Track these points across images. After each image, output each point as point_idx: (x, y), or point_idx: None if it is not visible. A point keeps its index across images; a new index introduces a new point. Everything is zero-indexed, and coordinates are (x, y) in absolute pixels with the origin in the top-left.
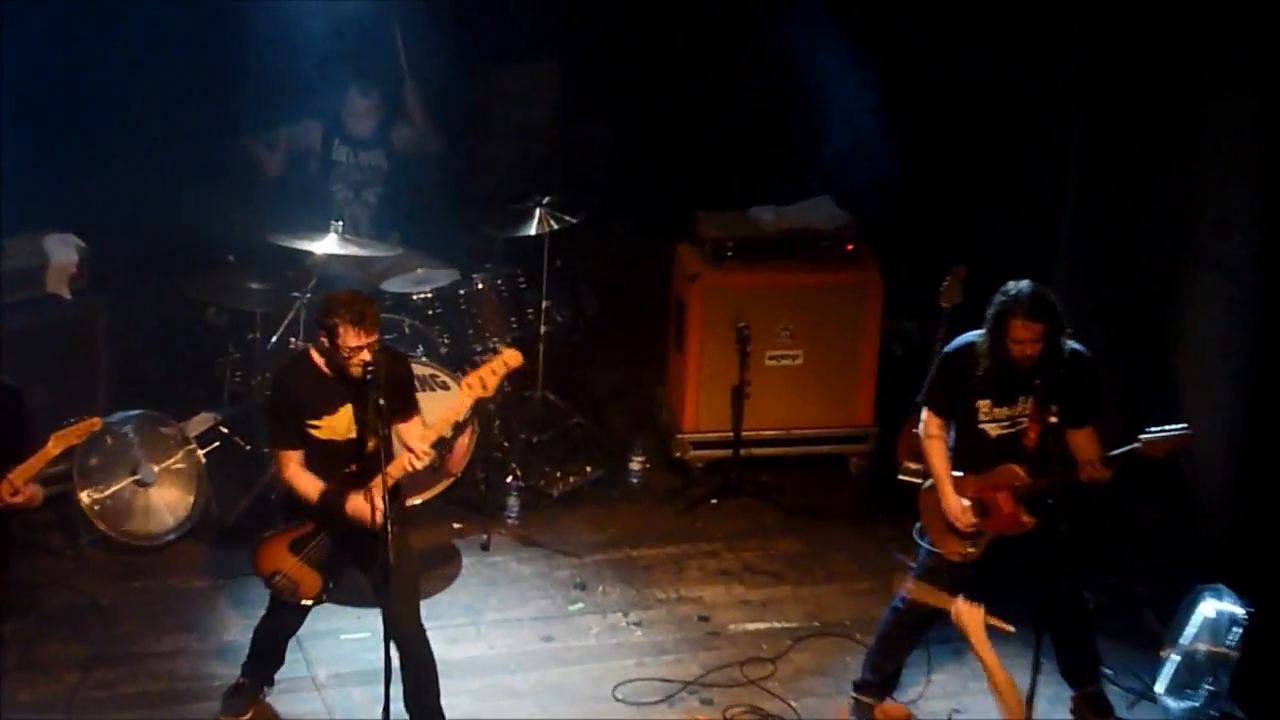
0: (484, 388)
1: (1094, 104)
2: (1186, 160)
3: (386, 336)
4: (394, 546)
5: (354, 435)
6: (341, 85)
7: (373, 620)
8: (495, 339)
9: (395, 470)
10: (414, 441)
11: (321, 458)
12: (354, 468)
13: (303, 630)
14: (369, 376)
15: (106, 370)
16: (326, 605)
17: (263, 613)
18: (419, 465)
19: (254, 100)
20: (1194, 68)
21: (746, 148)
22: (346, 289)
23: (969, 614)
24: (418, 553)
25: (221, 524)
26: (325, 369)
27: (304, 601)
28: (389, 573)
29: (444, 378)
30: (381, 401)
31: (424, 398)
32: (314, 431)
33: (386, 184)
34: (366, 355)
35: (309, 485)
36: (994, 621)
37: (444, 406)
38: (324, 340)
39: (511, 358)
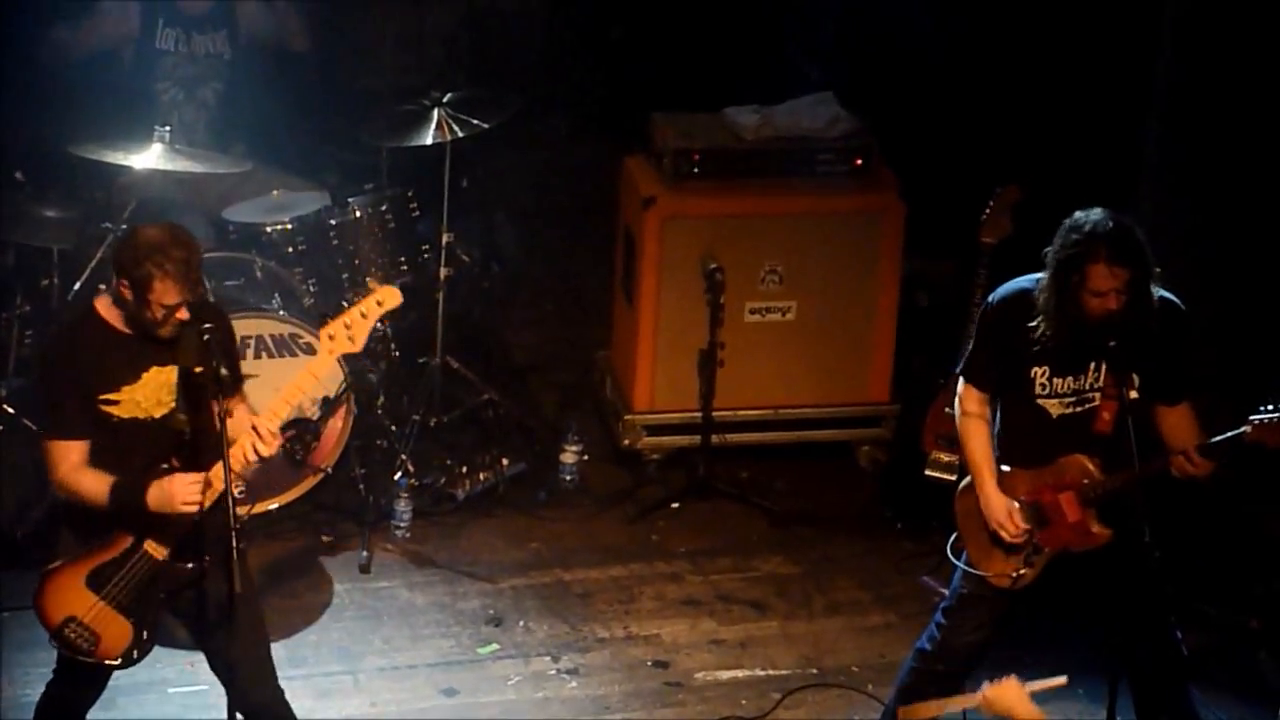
0: (350, 340)
1: None
2: None
3: (230, 283)
4: (238, 572)
5: (166, 413)
6: None
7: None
8: (378, 283)
9: (233, 463)
10: (260, 421)
11: (123, 449)
12: (175, 461)
13: (114, 682)
14: (206, 337)
15: None
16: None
17: (51, 674)
18: (264, 452)
19: None
20: None
21: (720, 25)
22: (157, 225)
23: (1004, 696)
24: (271, 574)
25: (6, 537)
26: (121, 325)
27: (106, 662)
28: (231, 612)
29: (308, 338)
30: (223, 371)
31: (282, 365)
32: (112, 410)
33: (230, 78)
34: (184, 313)
35: (94, 484)
36: (1039, 686)
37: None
38: (124, 290)
39: (387, 296)
